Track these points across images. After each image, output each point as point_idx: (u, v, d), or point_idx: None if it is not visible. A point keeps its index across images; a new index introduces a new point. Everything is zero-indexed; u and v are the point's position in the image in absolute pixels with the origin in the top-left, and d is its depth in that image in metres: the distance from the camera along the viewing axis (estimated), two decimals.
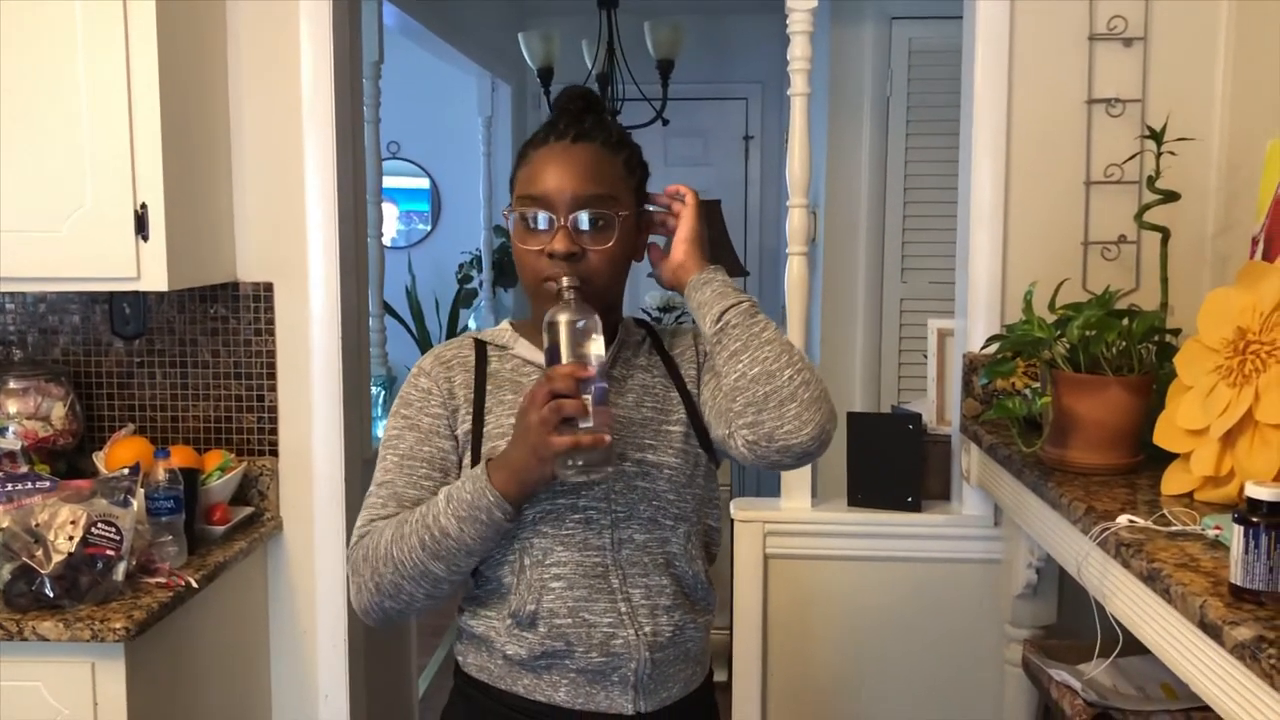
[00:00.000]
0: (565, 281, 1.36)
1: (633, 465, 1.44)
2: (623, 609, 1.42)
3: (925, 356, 2.66)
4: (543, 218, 1.40)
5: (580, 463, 1.28)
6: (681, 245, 1.47)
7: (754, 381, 1.38)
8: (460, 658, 1.52)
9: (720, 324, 1.41)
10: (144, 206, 2.08)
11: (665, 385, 1.52)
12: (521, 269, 1.44)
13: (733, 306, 1.41)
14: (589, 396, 1.28)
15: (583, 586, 1.41)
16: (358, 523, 1.45)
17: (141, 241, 2.09)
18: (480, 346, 1.51)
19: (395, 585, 1.38)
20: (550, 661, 1.42)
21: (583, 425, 1.27)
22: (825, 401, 1.40)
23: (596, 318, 1.34)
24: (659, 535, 1.45)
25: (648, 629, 1.42)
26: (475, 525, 1.33)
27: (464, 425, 1.45)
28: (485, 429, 1.44)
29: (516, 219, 1.43)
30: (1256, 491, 1.26)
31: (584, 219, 1.40)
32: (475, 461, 1.42)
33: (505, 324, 1.55)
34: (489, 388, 1.47)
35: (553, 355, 1.32)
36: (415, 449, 1.44)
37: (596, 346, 1.33)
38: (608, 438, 1.27)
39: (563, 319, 1.33)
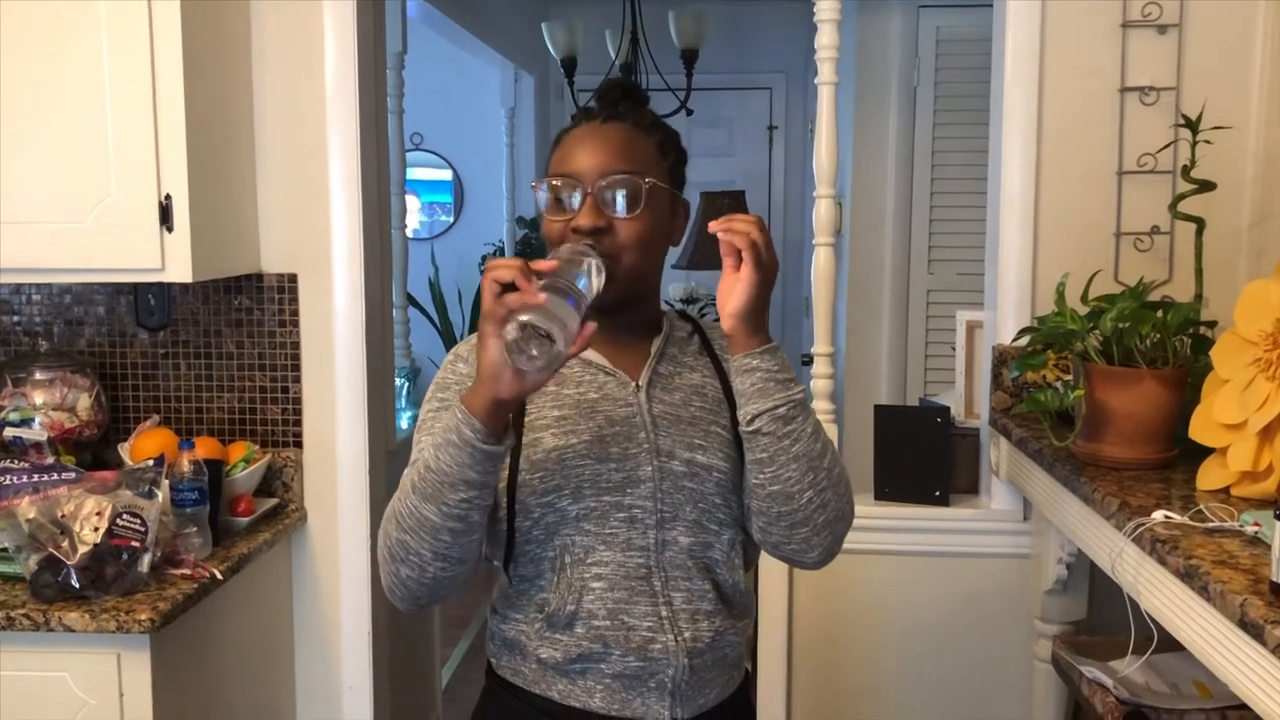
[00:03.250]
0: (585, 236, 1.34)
1: (681, 464, 1.39)
2: (663, 613, 1.37)
3: (953, 349, 2.63)
4: (570, 193, 1.38)
5: (533, 353, 1.18)
6: (729, 320, 1.32)
7: (770, 498, 1.35)
8: (493, 659, 1.48)
9: (752, 427, 1.33)
10: (168, 198, 2.08)
11: (714, 385, 1.47)
12: (549, 244, 1.40)
13: (767, 412, 1.31)
14: (547, 296, 1.17)
15: (623, 588, 1.37)
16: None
17: (166, 233, 2.09)
18: None
19: (402, 543, 1.31)
20: (585, 665, 1.38)
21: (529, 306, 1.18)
22: (840, 521, 1.39)
23: (593, 258, 1.30)
24: (703, 539, 1.40)
25: (687, 634, 1.38)
26: (450, 449, 1.25)
27: None
28: (527, 419, 1.39)
29: (548, 196, 1.41)
30: None
31: (610, 191, 1.37)
32: (514, 450, 1.38)
33: None
34: None
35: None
36: None
37: (578, 264, 1.27)
38: (542, 297, 1.16)
39: (564, 250, 1.31)
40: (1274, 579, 1.25)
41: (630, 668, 1.37)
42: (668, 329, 1.48)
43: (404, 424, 3.23)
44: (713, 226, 1.30)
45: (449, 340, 5.67)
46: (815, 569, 1.45)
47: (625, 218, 1.37)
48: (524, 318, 1.16)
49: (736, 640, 1.45)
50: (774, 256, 1.30)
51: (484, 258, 5.78)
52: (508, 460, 1.37)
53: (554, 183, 1.39)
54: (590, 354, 1.43)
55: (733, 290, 1.30)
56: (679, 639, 1.37)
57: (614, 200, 1.37)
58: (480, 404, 1.23)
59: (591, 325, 1.23)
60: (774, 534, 1.38)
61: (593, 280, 1.28)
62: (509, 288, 1.19)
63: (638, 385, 1.43)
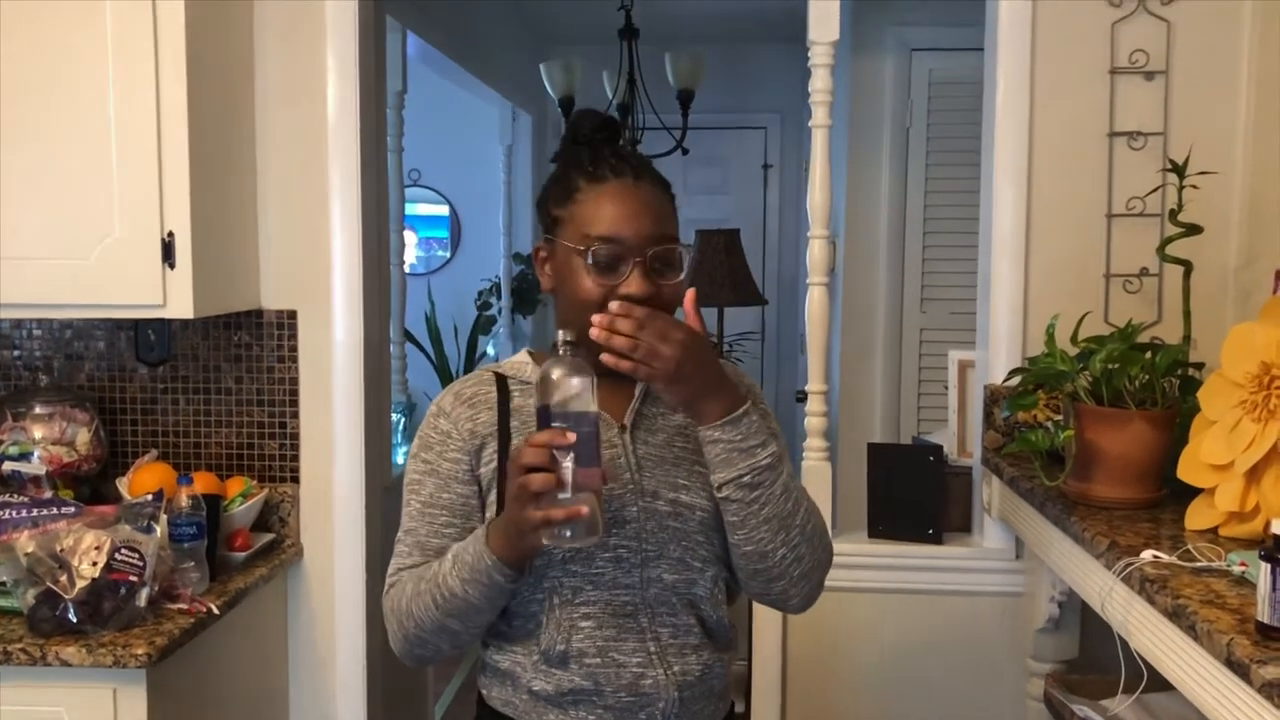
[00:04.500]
0: (561, 336, 1.31)
1: (665, 504, 1.43)
2: (651, 648, 1.41)
3: (946, 387, 2.66)
4: (616, 258, 1.38)
5: (566, 534, 1.26)
6: (665, 390, 1.33)
7: (745, 558, 1.42)
8: (484, 690, 1.51)
9: (721, 494, 1.38)
10: (171, 235, 2.10)
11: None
12: (583, 306, 1.37)
13: (732, 481, 1.35)
14: (569, 465, 1.24)
15: (612, 626, 1.40)
16: (388, 570, 1.46)
17: (168, 269, 2.11)
18: (501, 381, 1.49)
19: (419, 639, 1.40)
20: (578, 698, 1.41)
21: (561, 497, 1.24)
22: (817, 569, 1.46)
23: (591, 375, 1.28)
24: (687, 576, 1.44)
25: (676, 668, 1.42)
26: (478, 587, 1.33)
27: (489, 464, 1.43)
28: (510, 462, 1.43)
29: (578, 258, 1.39)
30: None
31: (658, 261, 1.39)
32: (501, 500, 1.40)
33: (523, 354, 1.53)
34: (513, 424, 1.45)
35: (541, 416, 1.28)
36: (436, 496, 1.44)
37: (587, 404, 1.27)
38: (584, 510, 1.23)
39: (553, 374, 1.27)
40: (1260, 619, 1.26)
41: (622, 701, 1.41)
42: None
43: (400, 459, 3.24)
44: (594, 332, 1.28)
45: (444, 375, 5.68)
46: (798, 614, 1.53)
47: (667, 283, 1.40)
48: (568, 535, 1.25)
49: (722, 672, 1.49)
50: (677, 349, 1.28)
51: (480, 292, 5.81)
52: (493, 500, 1.42)
53: (600, 249, 1.38)
54: None
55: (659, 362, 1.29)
56: (668, 673, 1.41)
57: (660, 268, 1.40)
58: (513, 555, 1.31)
59: (607, 474, 1.30)
60: (754, 586, 1.47)
61: (594, 398, 1.28)
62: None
63: (622, 426, 1.46)
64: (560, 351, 1.30)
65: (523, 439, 1.30)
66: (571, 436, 1.24)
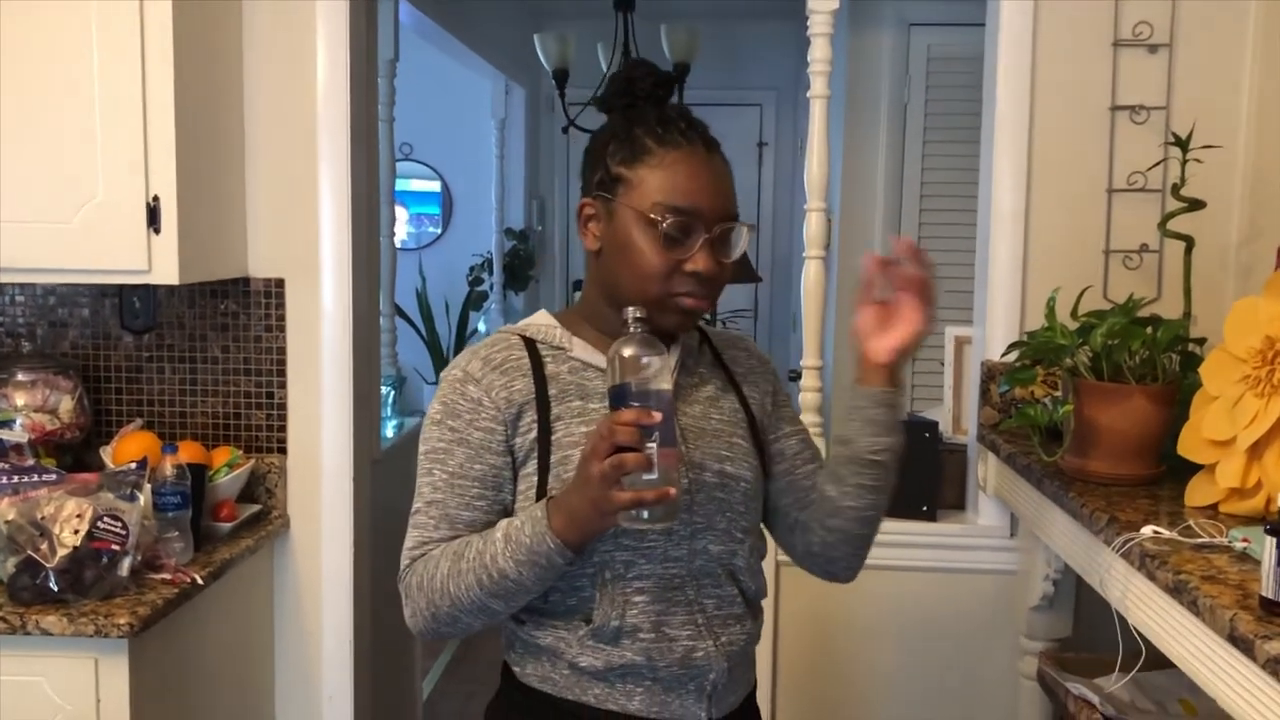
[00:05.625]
0: (632, 312, 1.27)
1: (712, 476, 1.40)
2: (699, 620, 1.39)
3: (941, 364, 2.63)
4: (687, 231, 1.33)
5: (644, 515, 1.22)
6: (889, 354, 1.40)
7: (860, 522, 1.46)
8: (516, 667, 1.44)
9: (878, 458, 1.41)
10: (156, 199, 2.07)
11: (728, 396, 1.49)
12: (644, 278, 1.34)
13: (893, 448, 1.42)
14: (654, 445, 1.20)
15: (662, 599, 1.37)
16: (408, 542, 1.39)
17: (153, 234, 2.07)
18: (530, 345, 1.42)
19: (452, 617, 1.34)
20: (626, 672, 1.37)
21: (646, 478, 1.20)
22: None
23: (665, 353, 1.26)
24: (730, 547, 1.42)
25: (724, 639, 1.41)
26: (534, 569, 1.28)
27: (528, 434, 1.36)
28: (554, 437, 1.36)
29: (646, 226, 1.34)
30: None
31: (725, 237, 1.36)
32: (542, 471, 1.35)
33: (545, 316, 1.46)
34: (552, 392, 1.38)
35: (617, 395, 1.24)
36: (466, 467, 1.37)
37: (664, 382, 1.24)
38: (673, 491, 1.21)
39: (628, 353, 1.24)
40: (1264, 594, 1.24)
41: (674, 674, 1.38)
42: (683, 339, 1.47)
43: (389, 433, 3.20)
44: (899, 250, 1.37)
45: (435, 351, 5.65)
46: (847, 583, 1.57)
47: (727, 261, 1.37)
48: (646, 517, 1.22)
49: (756, 640, 1.49)
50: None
51: (471, 268, 5.77)
52: (530, 471, 1.37)
53: (674, 221, 1.33)
54: None
55: (896, 325, 1.39)
56: (717, 644, 1.40)
57: (725, 245, 1.37)
58: (577, 537, 1.27)
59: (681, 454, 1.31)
60: (838, 550, 1.49)
61: (671, 375, 1.29)
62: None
63: None
64: (631, 329, 1.26)
65: (605, 417, 1.23)
66: (657, 416, 1.21)
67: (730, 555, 1.42)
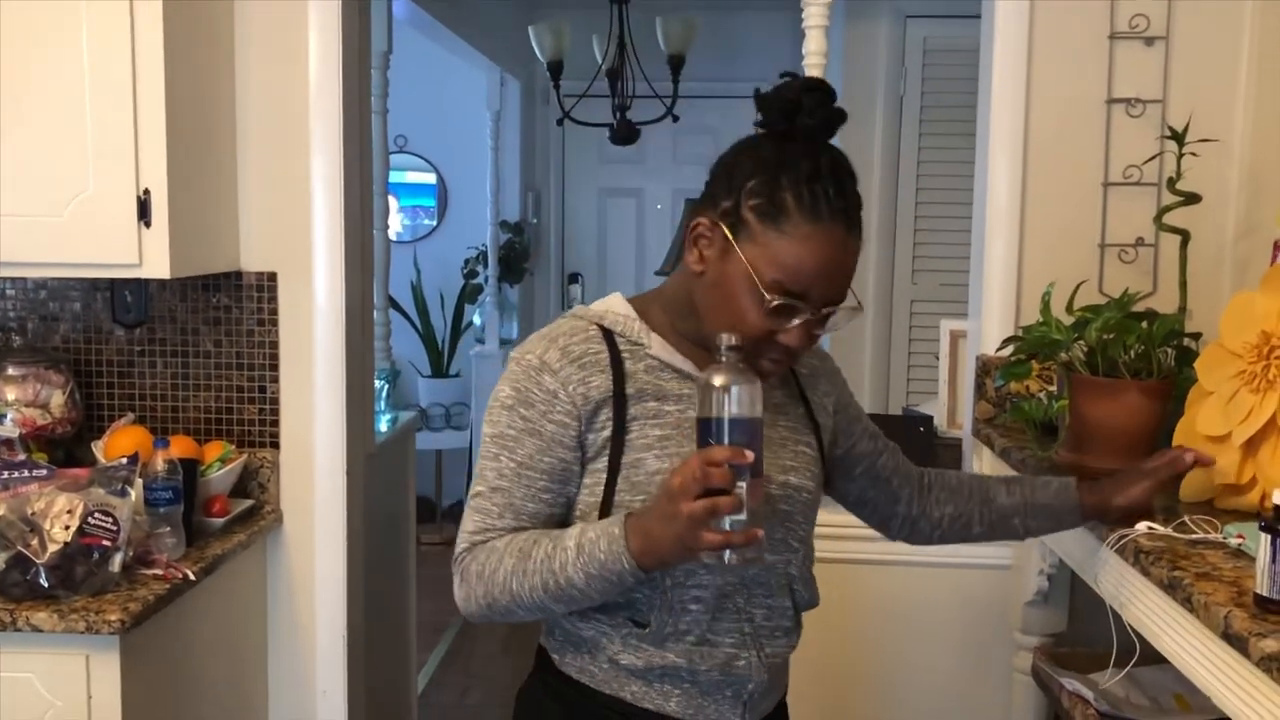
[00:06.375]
0: (725, 340, 1.22)
1: (776, 487, 1.38)
2: (745, 629, 1.38)
3: (936, 358, 2.63)
4: (793, 313, 1.29)
5: (731, 557, 1.20)
6: (1123, 510, 1.56)
7: (977, 538, 1.65)
8: (555, 655, 1.43)
9: (1085, 522, 1.61)
10: (147, 192, 2.05)
11: (795, 405, 1.48)
12: (736, 322, 1.28)
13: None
14: (744, 484, 1.16)
15: (714, 608, 1.36)
16: (467, 525, 1.35)
17: (144, 228, 2.06)
18: (609, 337, 1.38)
19: (508, 610, 1.33)
20: (665, 673, 1.37)
21: (735, 519, 1.17)
22: None
23: (757, 381, 1.22)
24: (785, 556, 1.42)
25: (768, 650, 1.40)
26: (604, 584, 1.26)
27: (602, 432, 1.34)
28: (628, 438, 1.33)
29: (755, 289, 1.28)
30: None
31: (829, 316, 1.33)
32: (612, 471, 1.33)
33: (623, 304, 1.41)
34: (629, 392, 1.35)
35: (707, 428, 1.20)
36: (535, 459, 1.33)
37: (755, 410, 1.20)
38: (760, 533, 1.18)
39: (719, 381, 1.19)
40: (1258, 591, 1.24)
41: (713, 680, 1.38)
42: None
43: (383, 427, 3.19)
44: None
45: (430, 344, 5.64)
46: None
47: (820, 334, 1.35)
48: (732, 559, 1.20)
49: (795, 648, 1.49)
50: None
51: (466, 261, 5.76)
52: (600, 467, 1.34)
53: (784, 303, 1.28)
54: (690, 367, 1.38)
55: (1149, 485, 1.55)
56: (760, 655, 1.40)
57: (824, 324, 1.33)
58: (654, 564, 1.25)
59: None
60: (976, 533, 1.64)
61: (756, 404, 1.22)
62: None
63: None
64: (723, 357, 1.22)
65: (697, 454, 1.19)
66: (750, 455, 1.17)
67: (785, 564, 1.42)
